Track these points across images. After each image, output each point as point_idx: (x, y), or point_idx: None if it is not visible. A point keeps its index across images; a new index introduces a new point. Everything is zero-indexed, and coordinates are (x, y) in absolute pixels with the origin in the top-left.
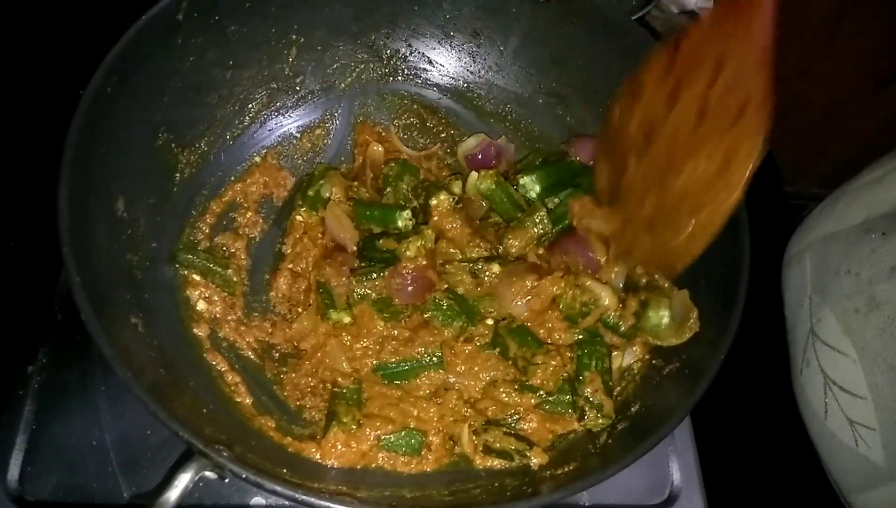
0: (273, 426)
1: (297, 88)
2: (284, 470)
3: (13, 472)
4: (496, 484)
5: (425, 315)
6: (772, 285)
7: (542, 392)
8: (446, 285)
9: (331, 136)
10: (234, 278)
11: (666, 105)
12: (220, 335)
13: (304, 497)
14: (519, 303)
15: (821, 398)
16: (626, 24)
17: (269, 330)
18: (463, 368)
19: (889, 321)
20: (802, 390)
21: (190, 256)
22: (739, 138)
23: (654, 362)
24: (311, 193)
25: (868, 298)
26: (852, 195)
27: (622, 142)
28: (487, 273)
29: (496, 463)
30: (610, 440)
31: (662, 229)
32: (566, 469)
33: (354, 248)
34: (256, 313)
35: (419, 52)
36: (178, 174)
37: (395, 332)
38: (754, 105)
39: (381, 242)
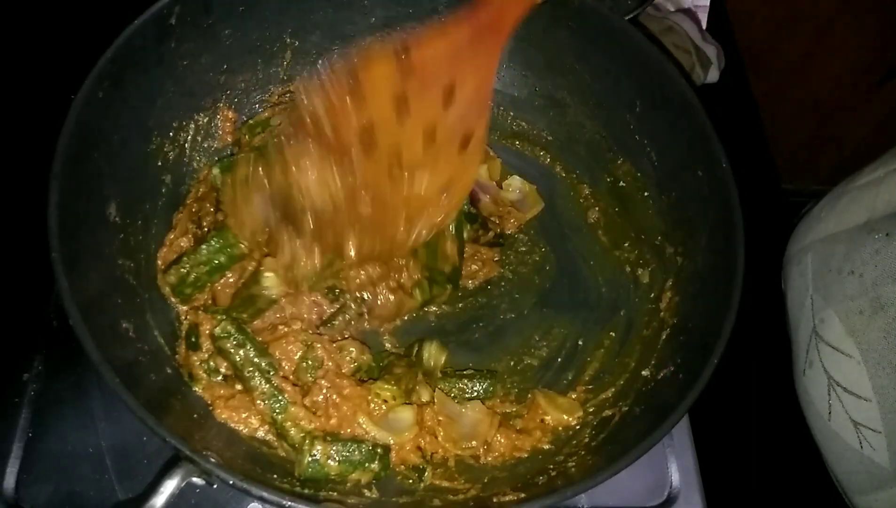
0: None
1: (293, 92)
2: (274, 476)
3: (9, 480)
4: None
5: None
6: (771, 283)
7: None
8: None
9: None
10: None
11: (393, 112)
12: None
13: (290, 504)
14: None
15: (824, 399)
16: (620, 26)
17: None
18: None
19: (893, 322)
20: (806, 390)
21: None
22: (464, 167)
23: (643, 373)
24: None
25: (873, 299)
26: (853, 195)
27: (329, 132)
28: None
29: None
30: (606, 444)
31: (373, 228)
32: (561, 471)
33: None
34: None
35: None
36: (171, 178)
37: None
38: (478, 139)
39: None
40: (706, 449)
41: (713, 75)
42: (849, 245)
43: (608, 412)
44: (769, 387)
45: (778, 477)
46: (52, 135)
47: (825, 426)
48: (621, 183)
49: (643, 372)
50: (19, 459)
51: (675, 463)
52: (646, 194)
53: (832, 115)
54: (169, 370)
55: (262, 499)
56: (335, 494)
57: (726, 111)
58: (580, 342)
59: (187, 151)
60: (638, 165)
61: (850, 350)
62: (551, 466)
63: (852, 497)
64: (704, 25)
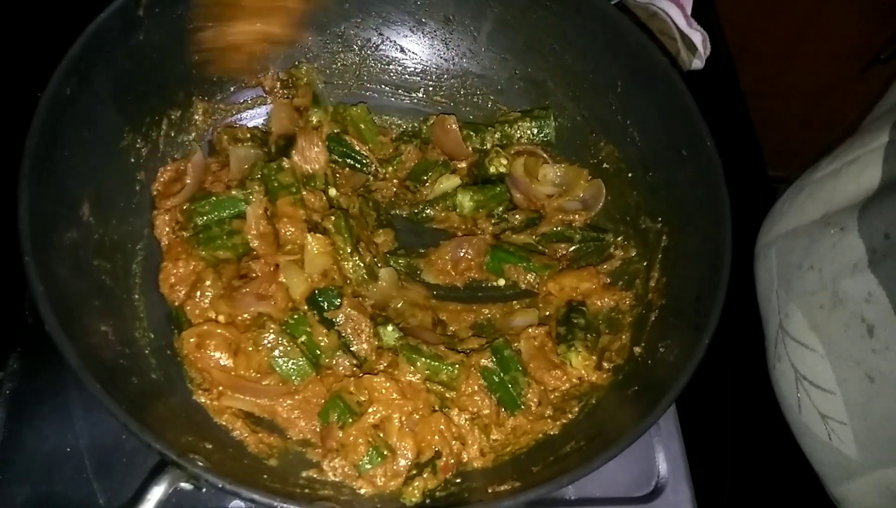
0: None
1: (265, 83)
2: (265, 476)
3: None
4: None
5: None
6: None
7: None
8: None
9: None
10: None
11: None
12: None
13: (282, 505)
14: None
15: (793, 393)
16: (600, 6)
17: None
18: None
19: (853, 316)
20: (777, 384)
21: None
22: None
23: (635, 356)
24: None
25: (832, 294)
26: (811, 189)
27: None
28: None
29: None
30: (601, 427)
31: None
32: (557, 458)
33: None
34: None
35: (391, 41)
36: (145, 175)
37: None
38: None
39: None
40: (693, 439)
41: (698, 62)
42: (808, 240)
43: (602, 394)
44: (756, 375)
45: (765, 466)
46: (18, 134)
47: (796, 419)
48: (605, 165)
49: (635, 355)
50: None
51: (662, 453)
52: (630, 175)
53: (818, 101)
54: (153, 374)
55: (252, 501)
56: (330, 491)
57: (712, 98)
58: None
59: (160, 146)
60: (621, 146)
61: (813, 344)
62: (545, 453)
63: (828, 487)
64: (689, 11)
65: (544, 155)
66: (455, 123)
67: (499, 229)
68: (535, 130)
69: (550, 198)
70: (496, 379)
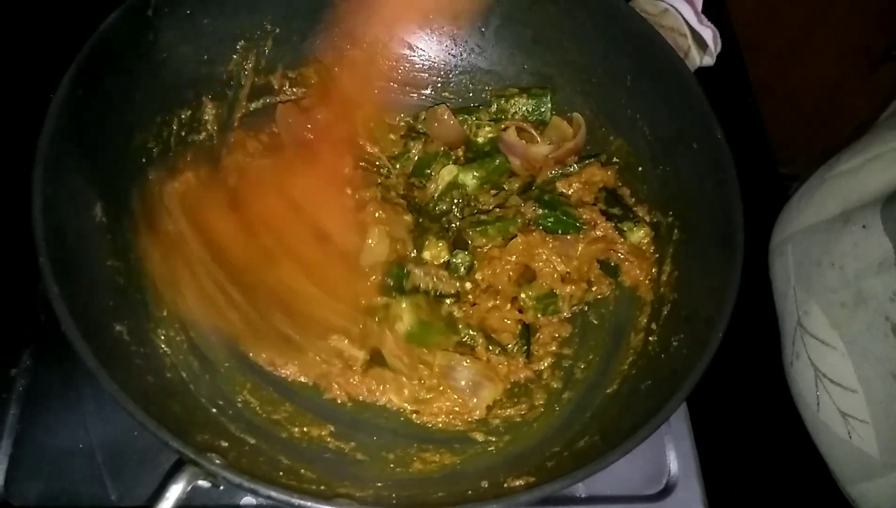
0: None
1: (274, 82)
2: (281, 473)
3: None
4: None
5: None
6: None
7: None
8: None
9: None
10: None
11: None
12: None
13: (300, 502)
14: None
15: (812, 390)
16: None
17: None
18: None
19: (876, 315)
20: (794, 382)
21: None
22: None
23: (650, 338)
24: None
25: (855, 292)
26: (830, 184)
27: None
28: None
29: None
30: (614, 423)
31: None
32: (570, 453)
33: None
34: None
35: (399, 38)
36: (157, 176)
37: None
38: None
39: None
40: (704, 438)
41: (709, 59)
42: (827, 236)
43: (615, 387)
44: (768, 373)
45: (776, 466)
46: (31, 135)
47: (814, 417)
48: (615, 159)
49: (648, 348)
50: (8, 456)
51: (673, 451)
52: (640, 169)
53: (829, 97)
54: (168, 374)
55: (270, 498)
56: (349, 483)
57: (723, 95)
58: None
59: (172, 146)
60: (631, 140)
61: (834, 342)
62: (559, 448)
63: (845, 486)
64: (700, 8)
65: (534, 132)
66: (447, 111)
67: (501, 200)
68: (531, 108)
69: (548, 158)
70: (550, 221)
